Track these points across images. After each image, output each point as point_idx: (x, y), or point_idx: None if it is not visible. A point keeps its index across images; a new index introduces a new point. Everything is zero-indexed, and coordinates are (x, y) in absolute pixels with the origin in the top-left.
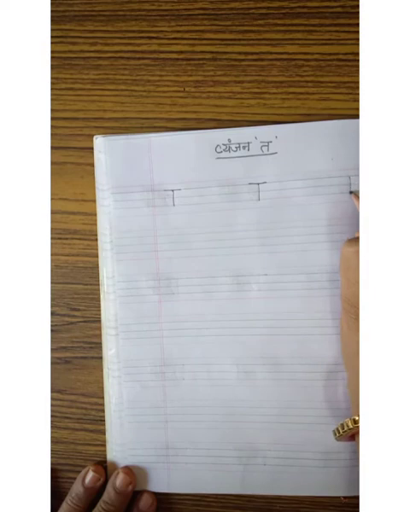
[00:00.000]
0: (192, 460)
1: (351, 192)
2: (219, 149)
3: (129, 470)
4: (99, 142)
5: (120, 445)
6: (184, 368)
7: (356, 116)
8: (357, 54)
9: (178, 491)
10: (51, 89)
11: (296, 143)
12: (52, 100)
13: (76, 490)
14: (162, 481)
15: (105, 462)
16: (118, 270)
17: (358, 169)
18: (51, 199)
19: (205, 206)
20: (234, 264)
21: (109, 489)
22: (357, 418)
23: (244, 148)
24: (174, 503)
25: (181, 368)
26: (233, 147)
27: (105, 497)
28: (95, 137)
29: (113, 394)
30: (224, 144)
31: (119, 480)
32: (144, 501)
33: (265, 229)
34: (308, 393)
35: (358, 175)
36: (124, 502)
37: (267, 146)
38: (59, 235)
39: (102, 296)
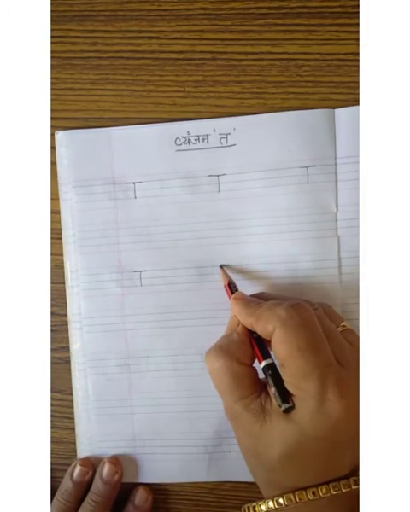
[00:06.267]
0: (159, 450)
1: (221, 266)
2: (178, 142)
3: (115, 460)
4: (60, 136)
5: (88, 438)
6: (148, 360)
7: (311, 107)
8: (357, 54)
9: (146, 482)
10: (51, 89)
11: (254, 135)
12: (52, 100)
13: (65, 485)
14: (131, 472)
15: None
16: (81, 263)
17: (314, 160)
18: (51, 199)
19: (166, 198)
20: (196, 255)
21: (97, 480)
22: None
23: (203, 140)
24: (173, 502)
25: (146, 360)
26: (192, 139)
27: (93, 488)
28: (56, 132)
29: (79, 388)
30: (183, 137)
31: (105, 470)
32: (140, 496)
33: (226, 221)
34: None
35: (314, 166)
36: (112, 492)
37: (226, 138)
38: (59, 235)
39: (66, 290)
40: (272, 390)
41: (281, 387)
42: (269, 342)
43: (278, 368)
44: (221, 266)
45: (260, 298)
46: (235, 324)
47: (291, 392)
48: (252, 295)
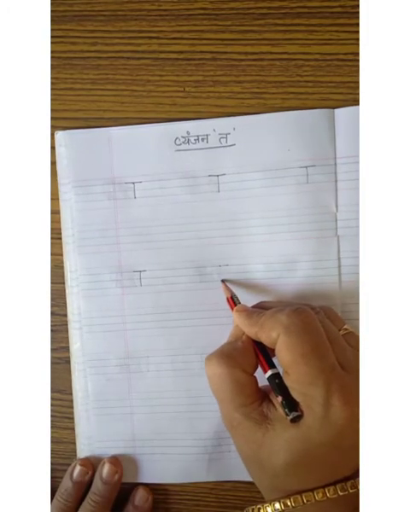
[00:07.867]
0: (159, 450)
1: (222, 281)
2: (178, 142)
3: (115, 460)
4: (60, 136)
5: (88, 438)
6: (148, 360)
7: (314, 107)
8: (357, 54)
9: (146, 482)
10: (51, 89)
11: (254, 135)
12: (52, 100)
13: (65, 485)
14: (131, 472)
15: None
16: (80, 263)
17: (314, 160)
18: (51, 199)
19: (166, 198)
20: (196, 255)
21: (97, 480)
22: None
23: (203, 140)
24: (173, 502)
25: (146, 360)
26: (192, 139)
27: (93, 488)
28: (56, 132)
29: (79, 388)
30: (183, 137)
31: (105, 470)
32: (140, 496)
33: (225, 221)
34: None
35: (314, 166)
36: (112, 492)
37: (226, 138)
38: (59, 235)
39: (66, 290)
40: (279, 399)
41: (288, 396)
42: (273, 351)
43: (282, 375)
44: (223, 281)
45: (261, 307)
46: (239, 333)
47: (296, 400)
48: (253, 306)
